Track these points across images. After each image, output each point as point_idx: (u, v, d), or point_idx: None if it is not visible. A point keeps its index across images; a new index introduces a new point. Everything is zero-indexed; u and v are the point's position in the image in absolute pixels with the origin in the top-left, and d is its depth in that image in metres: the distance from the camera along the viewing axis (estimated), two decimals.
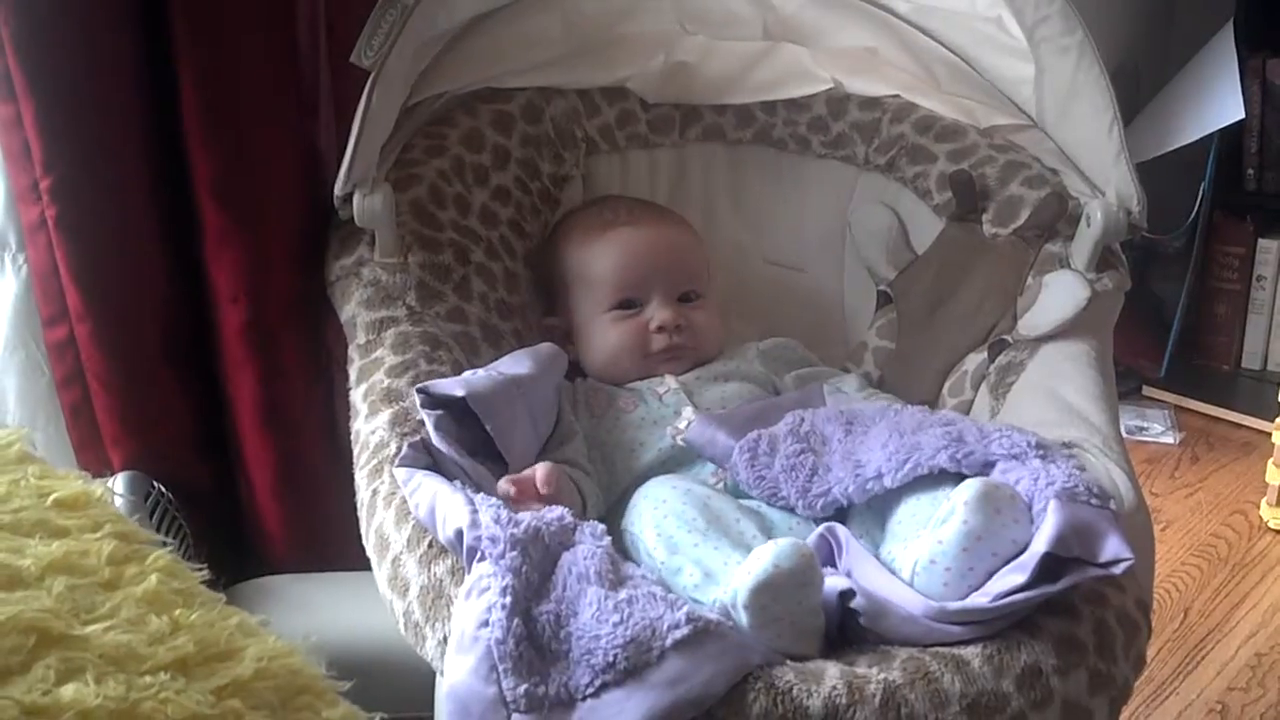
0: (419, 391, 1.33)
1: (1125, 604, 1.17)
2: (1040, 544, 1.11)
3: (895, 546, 1.22)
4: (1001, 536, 1.14)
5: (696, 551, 1.22)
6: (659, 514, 1.29)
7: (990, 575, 1.13)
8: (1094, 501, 1.16)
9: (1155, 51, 3.36)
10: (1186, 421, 3.24)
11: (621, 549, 1.27)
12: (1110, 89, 1.57)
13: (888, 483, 1.26)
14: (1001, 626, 1.11)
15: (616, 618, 1.05)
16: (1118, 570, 1.11)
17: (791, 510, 1.35)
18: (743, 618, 1.09)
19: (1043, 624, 1.12)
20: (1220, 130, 3.09)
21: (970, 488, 1.15)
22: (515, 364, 1.42)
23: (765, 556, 1.09)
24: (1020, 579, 1.10)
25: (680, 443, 1.47)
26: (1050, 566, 1.11)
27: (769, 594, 1.08)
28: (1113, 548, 1.12)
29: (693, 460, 1.48)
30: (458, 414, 1.32)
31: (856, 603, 1.14)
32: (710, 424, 1.45)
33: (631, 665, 1.03)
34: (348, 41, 1.46)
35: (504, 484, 1.30)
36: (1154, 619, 1.22)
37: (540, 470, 1.31)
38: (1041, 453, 1.23)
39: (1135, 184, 1.56)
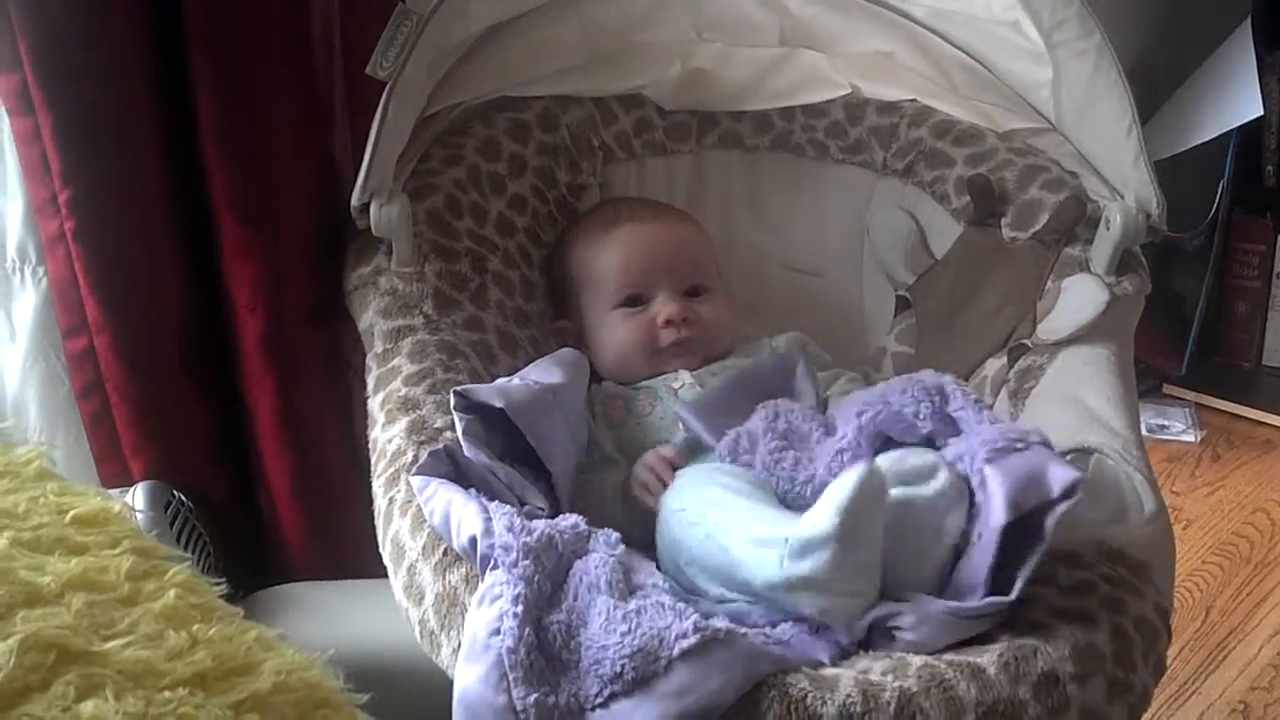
0: (455, 393, 1.32)
1: (1144, 610, 1.16)
2: (999, 518, 1.12)
3: None
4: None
5: (748, 510, 1.22)
6: (707, 487, 1.30)
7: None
8: (1018, 445, 1.17)
9: (1172, 49, 3.34)
10: (1207, 419, 3.23)
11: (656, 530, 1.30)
12: (1129, 92, 1.56)
13: (852, 445, 1.29)
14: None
15: (624, 628, 1.06)
16: (1079, 493, 1.12)
17: None
18: (831, 542, 1.09)
19: (1060, 630, 1.11)
20: (1238, 127, 3.08)
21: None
22: (545, 372, 1.42)
23: (851, 477, 1.10)
24: (989, 559, 1.12)
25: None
26: (1021, 526, 1.12)
27: (859, 507, 1.09)
28: (1058, 478, 1.13)
29: (707, 451, 1.47)
30: (486, 419, 1.32)
31: (883, 608, 1.14)
32: (692, 416, 1.47)
33: (639, 675, 1.03)
34: (363, 52, 1.46)
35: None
36: (1175, 619, 1.22)
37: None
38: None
39: (1155, 187, 1.56)
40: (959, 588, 1.16)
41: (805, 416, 1.40)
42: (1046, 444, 1.19)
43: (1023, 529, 1.12)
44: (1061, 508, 1.12)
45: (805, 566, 1.10)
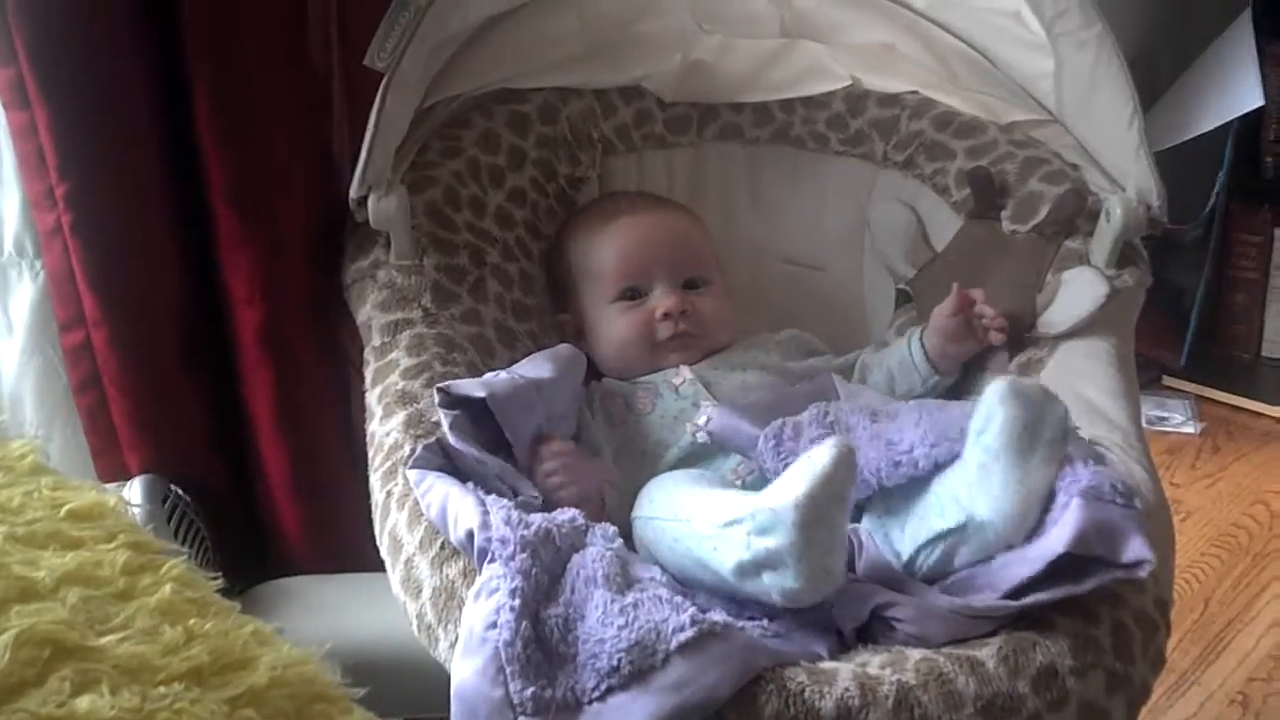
0: (438, 390, 1.33)
1: (1144, 604, 1.16)
2: (1058, 544, 1.10)
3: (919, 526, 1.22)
4: (1044, 427, 1.17)
5: (714, 497, 1.22)
6: (675, 489, 1.30)
7: (1043, 484, 1.16)
8: (1119, 500, 1.15)
9: (1172, 38, 3.33)
10: (1207, 411, 3.22)
11: (635, 542, 1.28)
12: (1130, 83, 1.56)
13: (919, 457, 1.24)
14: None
15: (621, 621, 1.06)
16: (1142, 573, 1.10)
17: None
18: (791, 518, 1.09)
19: (1059, 624, 1.11)
20: (1238, 118, 3.07)
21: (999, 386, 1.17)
22: (536, 368, 1.42)
23: (821, 456, 1.10)
24: (1026, 571, 1.11)
25: (700, 439, 1.47)
26: (1070, 564, 1.10)
27: (825, 489, 1.09)
28: (1135, 549, 1.11)
29: (714, 455, 1.48)
30: (474, 415, 1.32)
31: (884, 596, 1.15)
32: (733, 414, 1.44)
33: (636, 669, 1.03)
34: (361, 44, 1.46)
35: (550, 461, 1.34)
36: (1174, 609, 1.22)
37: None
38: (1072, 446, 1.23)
39: (1155, 179, 1.55)
40: (978, 583, 1.15)
41: (852, 411, 1.39)
42: (1141, 513, 1.17)
43: (1067, 563, 1.11)
44: (1115, 574, 1.11)
45: (771, 540, 1.10)
